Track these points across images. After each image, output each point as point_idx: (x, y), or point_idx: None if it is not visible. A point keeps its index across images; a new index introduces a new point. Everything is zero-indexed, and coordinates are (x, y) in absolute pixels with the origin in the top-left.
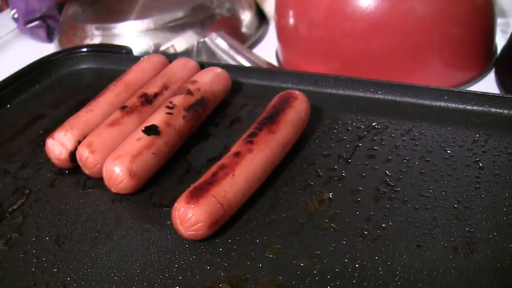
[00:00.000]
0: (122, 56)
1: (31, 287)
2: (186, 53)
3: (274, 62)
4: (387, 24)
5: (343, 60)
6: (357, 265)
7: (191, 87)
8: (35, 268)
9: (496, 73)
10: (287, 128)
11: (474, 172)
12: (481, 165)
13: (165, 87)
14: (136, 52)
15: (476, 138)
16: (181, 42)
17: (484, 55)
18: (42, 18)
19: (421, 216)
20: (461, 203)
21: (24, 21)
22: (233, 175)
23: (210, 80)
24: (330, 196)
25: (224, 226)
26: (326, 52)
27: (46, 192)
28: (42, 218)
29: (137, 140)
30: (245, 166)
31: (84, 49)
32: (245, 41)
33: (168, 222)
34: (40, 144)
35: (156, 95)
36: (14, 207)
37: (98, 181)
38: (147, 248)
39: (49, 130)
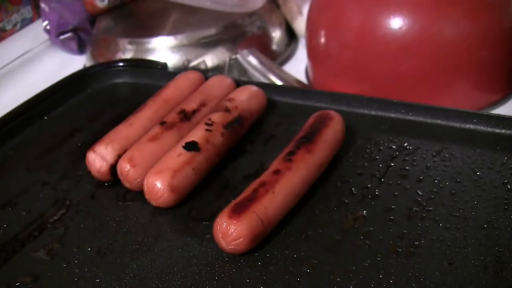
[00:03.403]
0: (157, 72)
1: None
2: (217, 69)
3: (304, 79)
4: (417, 46)
5: (372, 81)
6: (391, 281)
7: (229, 104)
8: (78, 278)
9: None
10: (324, 148)
11: (502, 193)
12: (509, 187)
13: (202, 104)
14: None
15: (504, 161)
16: (212, 58)
17: (511, 78)
18: (74, 30)
19: (452, 235)
20: (490, 223)
21: (56, 33)
22: (273, 192)
23: (247, 98)
24: (364, 213)
25: (262, 241)
26: (356, 73)
27: (87, 204)
28: (83, 229)
29: (178, 156)
30: (284, 184)
31: (120, 64)
32: (275, 58)
33: (208, 236)
34: (79, 157)
35: (194, 111)
36: (55, 217)
37: (137, 194)
38: (188, 260)
39: (87, 143)
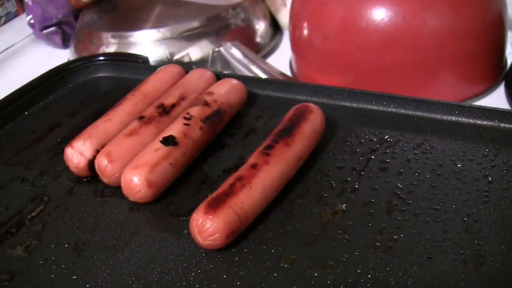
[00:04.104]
0: (139, 65)
1: None
2: (201, 62)
3: (288, 72)
4: (400, 38)
5: (356, 73)
6: (369, 276)
7: (208, 98)
8: (55, 275)
9: (506, 86)
10: (302, 141)
11: (483, 186)
12: (490, 179)
13: (182, 98)
14: (151, 60)
15: (485, 153)
16: (196, 51)
17: (494, 69)
18: (58, 24)
19: (431, 228)
20: (470, 216)
21: (40, 27)
22: (250, 186)
23: (226, 91)
24: (344, 207)
25: (239, 236)
26: (340, 65)
27: (65, 200)
28: (61, 226)
29: (155, 151)
30: (261, 178)
31: (101, 58)
32: (259, 50)
33: (185, 232)
34: (58, 152)
35: (173, 105)
36: (33, 214)
37: (116, 190)
38: (165, 256)
39: (67, 138)
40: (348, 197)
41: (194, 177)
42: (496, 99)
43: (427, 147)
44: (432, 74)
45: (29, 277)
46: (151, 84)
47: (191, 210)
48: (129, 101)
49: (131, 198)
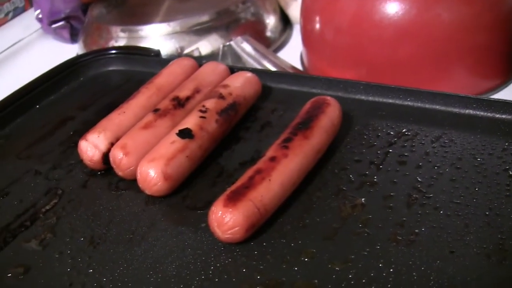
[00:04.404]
0: (150, 59)
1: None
2: (211, 56)
3: (299, 66)
4: (414, 31)
5: (369, 66)
6: (391, 270)
7: (223, 91)
8: (71, 269)
9: None
10: (321, 134)
11: (504, 180)
12: (511, 173)
13: (196, 91)
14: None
15: (505, 147)
16: (205, 45)
17: (508, 63)
18: (66, 19)
19: (453, 222)
20: (492, 210)
21: (48, 22)
22: (270, 179)
23: (241, 84)
24: (363, 201)
25: (258, 229)
26: (352, 58)
27: (79, 193)
28: (76, 219)
29: (171, 143)
30: (281, 171)
31: (113, 51)
32: (269, 45)
33: (203, 225)
34: (70, 146)
35: (188, 98)
36: (47, 207)
37: (130, 183)
38: (183, 250)
39: (79, 132)
40: (367, 191)
41: (210, 170)
42: (510, 94)
43: (446, 141)
44: (444, 68)
45: (45, 271)
46: (165, 77)
47: (208, 203)
48: (143, 94)
49: (147, 191)
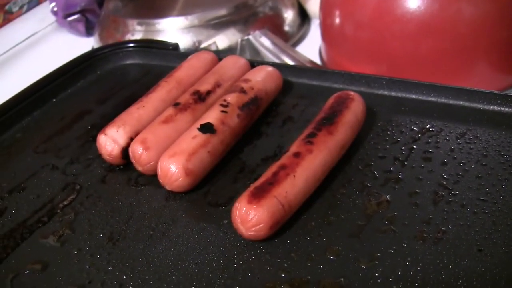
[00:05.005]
0: (169, 52)
1: (86, 285)
2: (229, 50)
3: (317, 60)
4: (436, 26)
5: (390, 61)
6: (419, 268)
7: (245, 85)
8: (90, 266)
9: None
10: (345, 129)
11: None
12: None
13: (217, 85)
14: None
15: None
16: (223, 39)
17: None
18: (82, 12)
19: (480, 220)
20: None
21: (64, 15)
22: (294, 175)
23: (262, 78)
24: (388, 198)
25: (282, 226)
26: (373, 53)
27: (98, 189)
28: (95, 215)
29: (193, 138)
30: (305, 167)
31: (131, 45)
32: (287, 39)
33: (225, 221)
34: (88, 140)
35: (208, 92)
36: (65, 202)
37: (150, 178)
38: (205, 247)
39: (97, 126)
40: (392, 187)
41: (231, 165)
42: None
43: (471, 137)
44: (468, 63)
45: (63, 267)
46: (184, 71)
47: (230, 200)
48: (163, 88)
49: (168, 187)
